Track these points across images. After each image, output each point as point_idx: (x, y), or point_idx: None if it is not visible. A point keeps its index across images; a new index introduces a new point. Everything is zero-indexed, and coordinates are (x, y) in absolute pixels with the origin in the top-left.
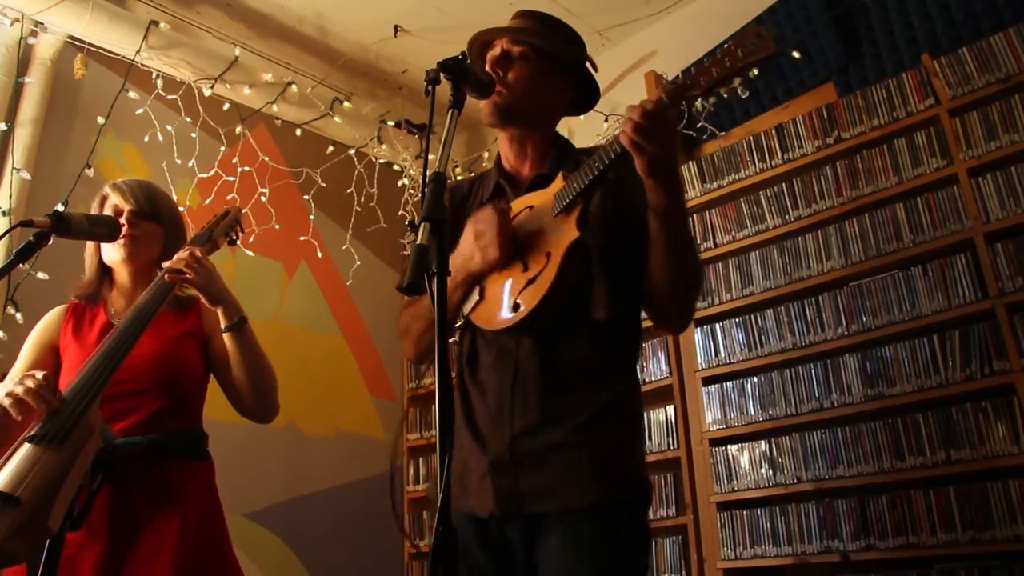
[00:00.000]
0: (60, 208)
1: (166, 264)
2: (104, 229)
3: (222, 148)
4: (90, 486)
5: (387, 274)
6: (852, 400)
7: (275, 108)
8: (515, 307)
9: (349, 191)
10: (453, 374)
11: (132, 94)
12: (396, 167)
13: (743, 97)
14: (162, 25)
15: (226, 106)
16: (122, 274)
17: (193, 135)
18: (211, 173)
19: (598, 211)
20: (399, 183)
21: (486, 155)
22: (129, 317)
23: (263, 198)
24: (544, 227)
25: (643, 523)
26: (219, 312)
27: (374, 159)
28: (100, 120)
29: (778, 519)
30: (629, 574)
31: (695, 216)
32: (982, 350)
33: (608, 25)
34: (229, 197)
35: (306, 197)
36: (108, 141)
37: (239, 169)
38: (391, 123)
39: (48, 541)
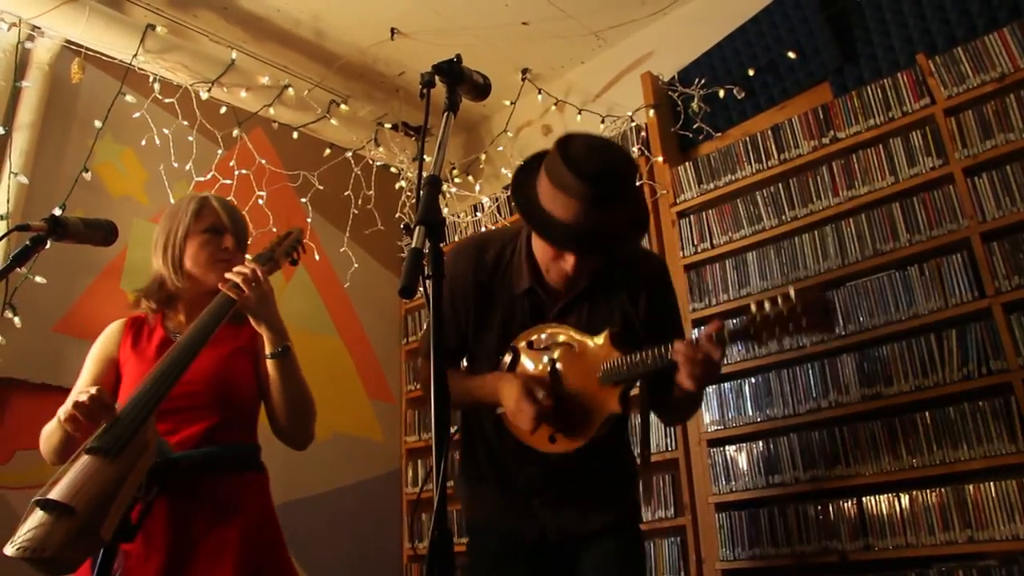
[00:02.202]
0: (57, 212)
1: (228, 274)
2: (101, 233)
3: (219, 151)
4: (146, 498)
5: (384, 276)
6: (850, 400)
7: (272, 111)
8: (552, 439)
9: (346, 194)
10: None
11: (129, 98)
12: (393, 169)
13: (739, 98)
14: (159, 29)
15: (223, 109)
16: (192, 294)
17: (190, 138)
18: (208, 176)
19: (645, 393)
20: (396, 185)
21: (483, 157)
22: (189, 333)
23: (260, 201)
24: (588, 382)
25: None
26: (265, 336)
27: (371, 162)
28: (97, 124)
29: (776, 519)
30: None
31: (692, 217)
32: (979, 349)
33: (604, 27)
34: (229, 182)
35: (303, 200)
36: (105, 145)
37: (236, 172)
38: (388, 125)
39: (101, 551)
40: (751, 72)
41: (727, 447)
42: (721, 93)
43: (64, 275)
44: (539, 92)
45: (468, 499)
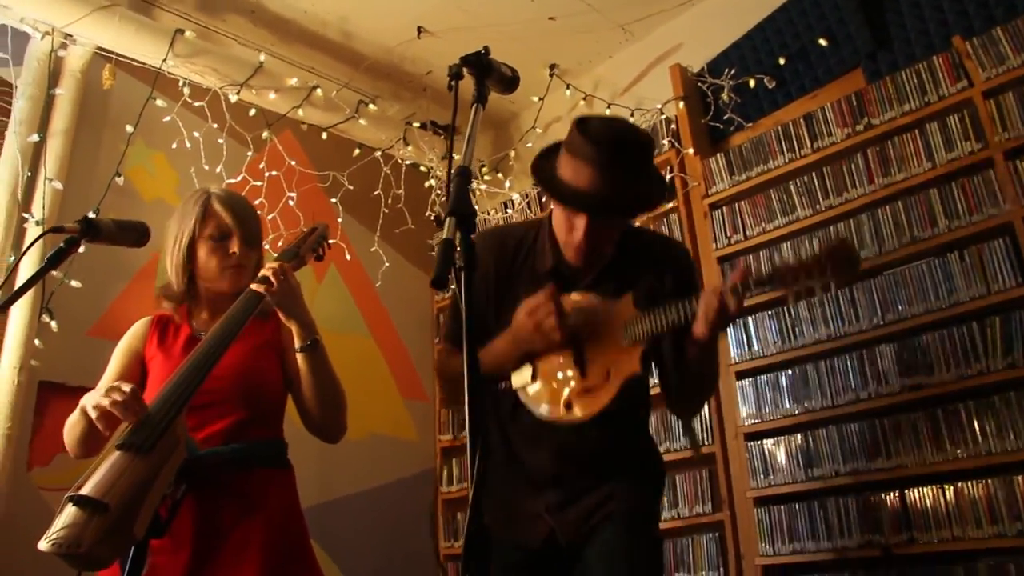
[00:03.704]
0: (91, 215)
1: (260, 273)
2: (133, 235)
3: (249, 153)
4: (174, 495)
5: (416, 275)
6: (890, 391)
7: (300, 113)
8: (568, 405)
9: (376, 193)
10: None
11: (159, 102)
12: (423, 168)
13: (770, 88)
14: (187, 33)
15: (252, 111)
16: (212, 294)
17: (220, 141)
18: (238, 179)
19: (668, 352)
20: (426, 184)
21: (512, 154)
22: (217, 329)
23: (291, 202)
24: (610, 344)
25: None
26: (294, 331)
27: (400, 161)
28: (129, 128)
29: (816, 513)
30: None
31: (724, 208)
32: (1023, 337)
33: (631, 20)
34: (257, 202)
35: (333, 200)
36: (137, 149)
37: (266, 174)
38: (416, 125)
39: (133, 547)
40: (782, 61)
41: (765, 441)
42: (752, 83)
43: (98, 279)
44: (567, 87)
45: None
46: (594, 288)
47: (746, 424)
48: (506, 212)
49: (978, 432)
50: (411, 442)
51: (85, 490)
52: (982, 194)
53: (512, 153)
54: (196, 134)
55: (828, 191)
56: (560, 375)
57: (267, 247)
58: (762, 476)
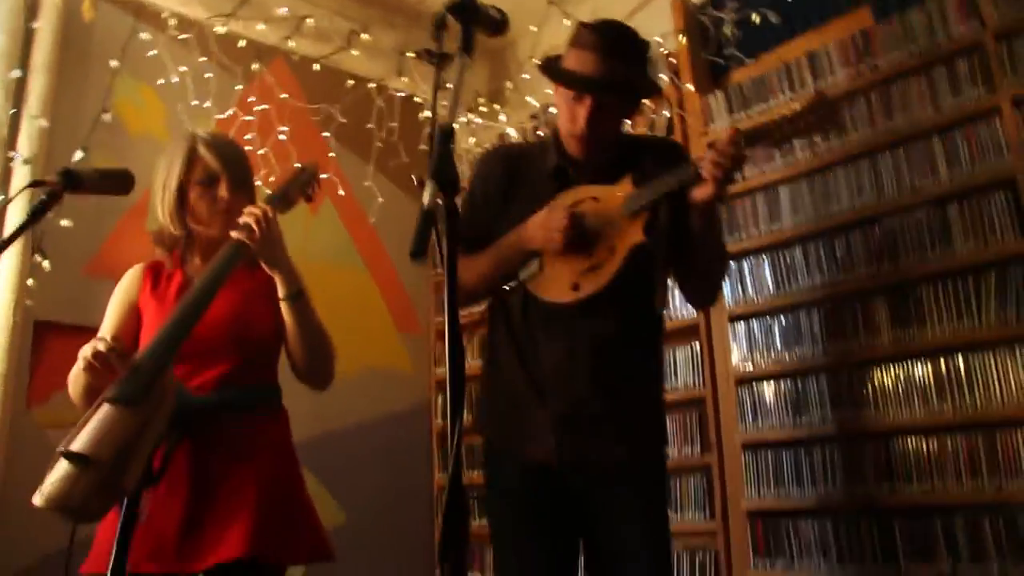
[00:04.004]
0: (78, 155)
1: (240, 219)
2: (118, 183)
3: (238, 87)
4: (168, 443)
5: (411, 207)
6: (882, 343)
7: (291, 44)
8: (575, 287)
9: (369, 126)
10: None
11: (144, 35)
12: (418, 99)
13: (774, 23)
14: None
15: (241, 43)
16: (205, 239)
17: (208, 75)
18: (228, 113)
19: (666, 222)
20: (420, 115)
21: (509, 85)
22: (202, 279)
23: (282, 137)
24: (611, 222)
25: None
26: (276, 280)
27: (393, 93)
28: (113, 63)
29: (803, 461)
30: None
31: None
32: (1019, 294)
33: None
34: (247, 137)
35: (326, 134)
36: (124, 82)
37: (256, 108)
38: (411, 54)
39: (127, 498)
40: None
41: (755, 384)
42: (755, 18)
43: (90, 217)
44: (565, 17)
45: (486, 406)
46: (594, 182)
47: (739, 369)
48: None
49: (965, 388)
50: (406, 375)
51: (75, 446)
52: (987, 143)
53: (509, 84)
54: (183, 68)
55: (829, 136)
56: (569, 262)
57: (259, 183)
58: (751, 420)
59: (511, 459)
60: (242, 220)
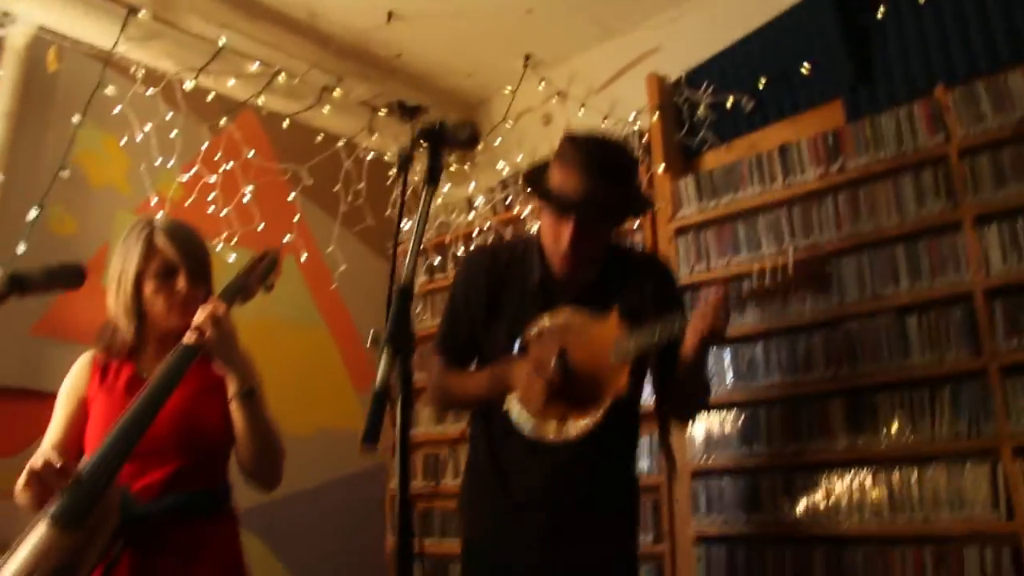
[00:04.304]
0: (31, 214)
1: (193, 322)
2: (66, 279)
3: (204, 146)
4: (109, 556)
5: (374, 263)
6: (837, 445)
7: (261, 100)
8: (560, 427)
9: (336, 189)
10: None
11: (110, 90)
12: (388, 157)
13: (748, 108)
14: (141, 14)
15: (210, 96)
16: (158, 330)
17: (172, 135)
18: (193, 171)
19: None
20: (389, 173)
21: (480, 146)
22: (152, 383)
23: (245, 199)
24: (598, 363)
25: None
26: (228, 378)
27: (361, 156)
28: (76, 119)
29: (754, 559)
30: None
31: (690, 235)
32: (972, 410)
33: (611, 17)
34: (210, 197)
35: (291, 196)
36: (87, 131)
37: (222, 168)
38: (383, 112)
39: None
40: (762, 82)
41: (710, 478)
42: (729, 102)
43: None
44: (541, 81)
45: (468, 513)
46: (579, 302)
47: (694, 461)
48: (471, 211)
49: (916, 500)
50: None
51: (7, 571)
52: (947, 258)
53: (480, 146)
54: (147, 128)
55: (795, 232)
56: (551, 399)
57: (220, 246)
58: (704, 513)
59: (492, 566)
60: (194, 321)
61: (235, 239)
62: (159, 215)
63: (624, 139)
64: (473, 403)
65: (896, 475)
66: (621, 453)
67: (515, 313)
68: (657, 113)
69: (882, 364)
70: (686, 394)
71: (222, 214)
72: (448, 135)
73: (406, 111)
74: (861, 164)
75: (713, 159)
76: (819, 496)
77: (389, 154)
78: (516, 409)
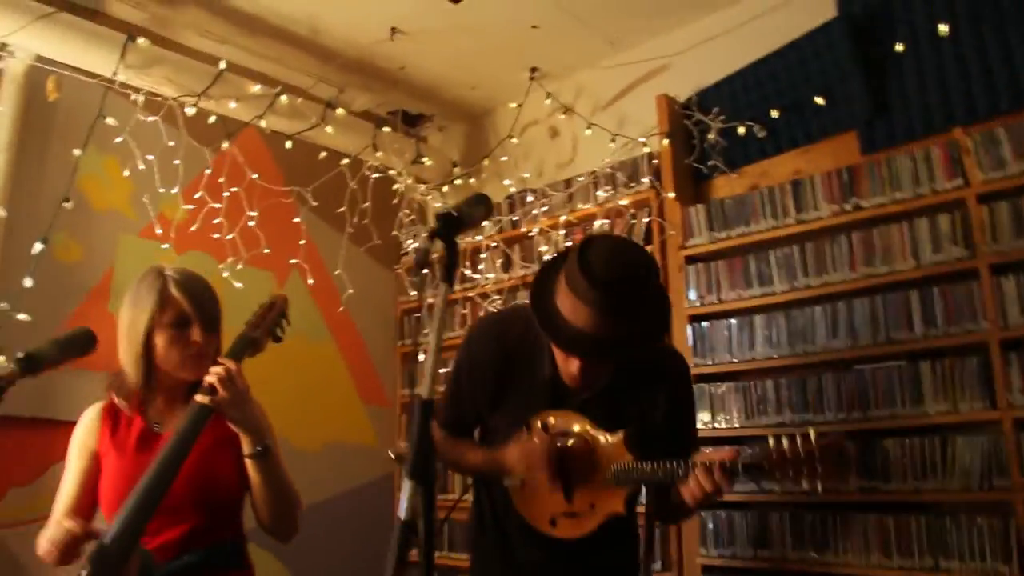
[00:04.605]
0: (36, 248)
1: (206, 378)
2: (78, 350)
3: (207, 171)
4: None
5: (382, 275)
6: (847, 488)
7: (264, 122)
8: (553, 523)
9: (341, 210)
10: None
11: (110, 120)
12: (392, 172)
13: (759, 136)
14: (140, 41)
15: (212, 119)
16: (171, 382)
17: (177, 154)
18: (199, 192)
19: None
20: (394, 187)
21: (486, 163)
22: (168, 448)
23: (251, 223)
24: (597, 478)
25: None
26: (242, 437)
27: (367, 173)
28: (77, 152)
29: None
30: None
31: (700, 265)
32: (984, 462)
33: (618, 32)
34: (216, 221)
35: (297, 219)
36: (88, 156)
37: (224, 193)
38: (387, 129)
39: None
40: (775, 113)
41: (718, 511)
42: (741, 129)
43: (48, 305)
44: (547, 97)
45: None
46: (587, 406)
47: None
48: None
49: (925, 547)
50: (370, 448)
51: None
52: (962, 306)
53: (486, 162)
54: (150, 154)
55: (808, 269)
56: (549, 493)
57: (227, 273)
58: (713, 546)
59: None
60: (206, 381)
61: (240, 265)
62: (170, 268)
63: (632, 163)
64: (471, 474)
65: (905, 521)
66: (622, 538)
67: (520, 405)
68: (667, 139)
69: (894, 409)
70: (676, 515)
71: (228, 237)
72: (465, 220)
73: (409, 120)
74: (876, 204)
75: (724, 184)
76: (827, 535)
77: (393, 171)
78: (511, 482)
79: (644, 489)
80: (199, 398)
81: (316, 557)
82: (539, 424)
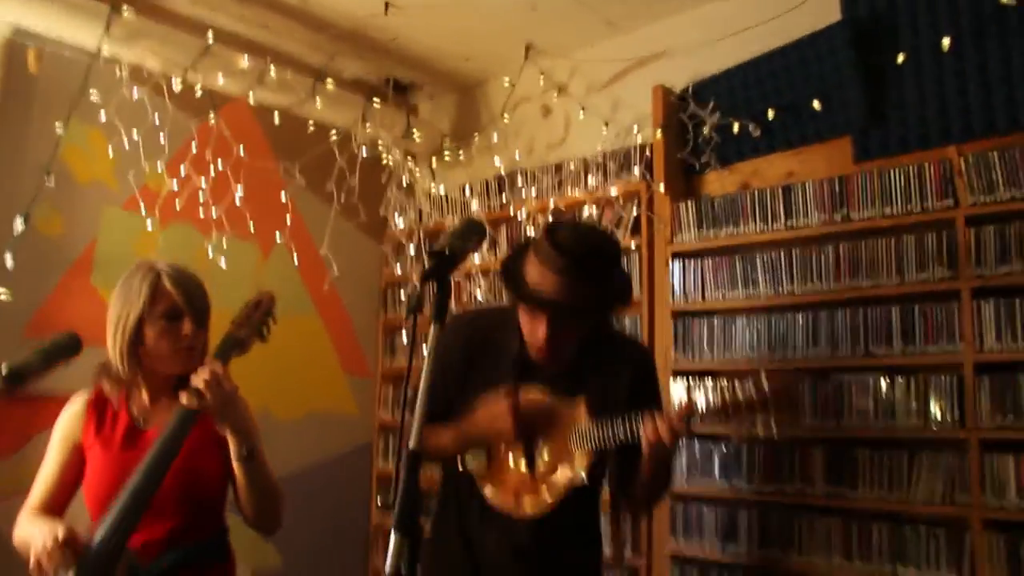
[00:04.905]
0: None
1: (192, 380)
2: (64, 355)
3: (194, 143)
4: None
5: (365, 245)
6: (814, 492)
7: (251, 98)
8: (517, 500)
9: (330, 185)
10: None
11: (94, 90)
12: (382, 145)
13: (754, 135)
14: (125, 13)
15: (198, 91)
16: (157, 376)
17: (163, 131)
18: (184, 164)
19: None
20: (384, 160)
21: (476, 139)
22: (156, 450)
23: (237, 195)
24: (560, 444)
25: None
26: (229, 439)
27: (356, 151)
28: (59, 128)
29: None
30: None
31: (687, 260)
32: (947, 479)
33: (618, 15)
34: (202, 201)
35: (284, 194)
36: (72, 128)
37: (213, 163)
38: (376, 102)
39: None
40: (771, 114)
41: (689, 504)
42: (735, 127)
43: (31, 278)
44: (541, 75)
45: (428, 566)
46: (553, 381)
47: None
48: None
49: (885, 554)
50: (351, 417)
51: None
52: (942, 325)
53: (476, 137)
54: (134, 124)
55: (793, 276)
56: (511, 464)
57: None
58: (682, 536)
59: None
60: (193, 383)
61: (225, 243)
62: (161, 262)
63: (624, 154)
64: (441, 455)
65: (867, 528)
66: (581, 533)
67: (487, 384)
68: (660, 131)
69: (867, 421)
70: (643, 490)
71: (213, 211)
72: (458, 256)
73: (399, 88)
74: (865, 217)
75: (715, 179)
76: (793, 536)
77: (382, 144)
78: (475, 463)
79: (608, 474)
80: (185, 402)
81: (295, 523)
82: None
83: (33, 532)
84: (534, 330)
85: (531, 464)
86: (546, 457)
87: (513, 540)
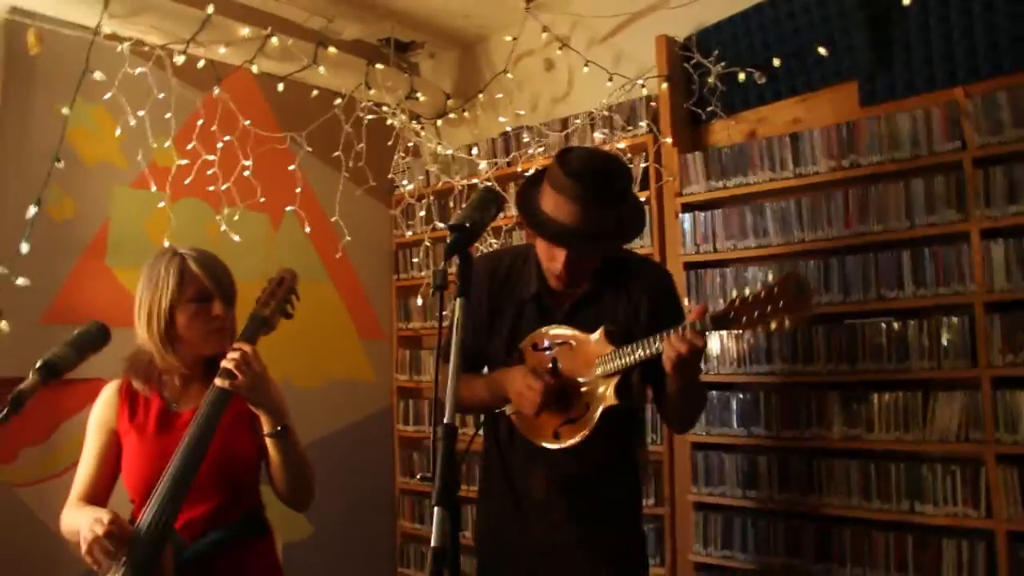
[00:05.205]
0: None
1: (223, 361)
2: (93, 346)
3: (201, 105)
4: None
5: (376, 209)
6: (831, 435)
7: (255, 66)
8: (556, 435)
9: (337, 154)
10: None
11: (97, 74)
12: (385, 108)
13: (759, 82)
14: None
15: (201, 63)
16: (189, 359)
17: (168, 107)
18: (192, 138)
19: (638, 380)
20: (388, 122)
21: (480, 98)
22: (193, 432)
23: (246, 166)
24: (587, 376)
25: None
26: (261, 418)
27: (360, 115)
28: (65, 111)
29: (748, 529)
30: None
31: (697, 213)
32: (961, 417)
33: None
34: (210, 173)
35: (293, 165)
36: (76, 109)
37: (219, 143)
38: (378, 65)
39: None
40: (776, 62)
41: (710, 452)
42: (741, 76)
43: (46, 264)
44: (544, 31)
45: (481, 510)
46: (573, 317)
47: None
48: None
49: (903, 493)
50: (368, 383)
51: None
52: (952, 267)
53: (480, 97)
54: (140, 108)
55: (803, 223)
56: (545, 415)
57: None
58: (704, 484)
59: (497, 566)
60: (223, 364)
61: (236, 215)
62: (183, 247)
63: (630, 107)
64: (478, 408)
65: (885, 468)
66: (619, 474)
67: (512, 325)
68: (666, 82)
69: (881, 364)
70: (677, 408)
71: (223, 188)
72: (478, 229)
73: (400, 47)
74: (874, 162)
75: (721, 129)
76: (811, 478)
77: (386, 107)
78: (512, 407)
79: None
80: (219, 382)
81: (324, 493)
82: (531, 347)
83: (80, 520)
84: (552, 258)
85: (565, 403)
86: (578, 392)
87: (557, 472)
